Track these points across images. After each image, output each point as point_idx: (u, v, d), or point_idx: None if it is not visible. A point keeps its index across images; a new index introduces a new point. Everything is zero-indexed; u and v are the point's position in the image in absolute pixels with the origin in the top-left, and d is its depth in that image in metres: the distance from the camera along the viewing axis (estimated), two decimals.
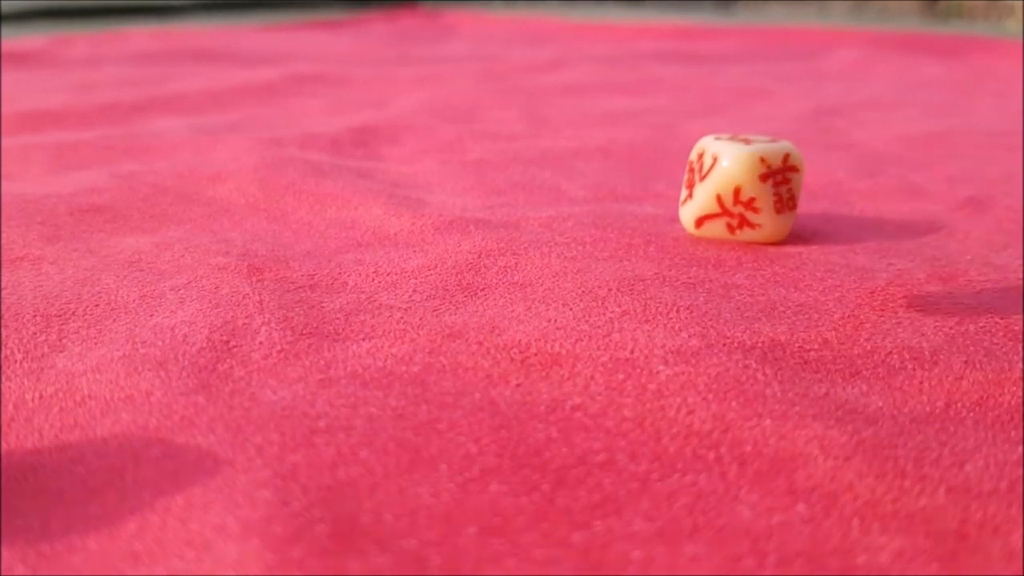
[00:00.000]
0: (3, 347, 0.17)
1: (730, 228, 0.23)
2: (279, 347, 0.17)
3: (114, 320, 0.18)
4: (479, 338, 0.17)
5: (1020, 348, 0.17)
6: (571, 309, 0.18)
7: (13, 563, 0.11)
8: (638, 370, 0.16)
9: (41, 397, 0.15)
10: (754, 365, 0.16)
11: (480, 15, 1.03)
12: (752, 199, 0.22)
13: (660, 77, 0.54)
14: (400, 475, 0.13)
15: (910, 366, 0.16)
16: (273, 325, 0.18)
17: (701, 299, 0.19)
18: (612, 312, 0.18)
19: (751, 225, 0.22)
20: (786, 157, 0.22)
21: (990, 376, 0.16)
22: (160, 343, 0.17)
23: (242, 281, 0.20)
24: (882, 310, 0.18)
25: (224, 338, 0.17)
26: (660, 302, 0.18)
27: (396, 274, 0.20)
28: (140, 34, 0.78)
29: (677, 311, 0.18)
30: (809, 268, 0.21)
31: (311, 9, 1.15)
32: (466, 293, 0.19)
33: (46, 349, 0.17)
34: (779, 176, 0.22)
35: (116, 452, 0.13)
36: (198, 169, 0.29)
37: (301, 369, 0.16)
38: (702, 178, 0.22)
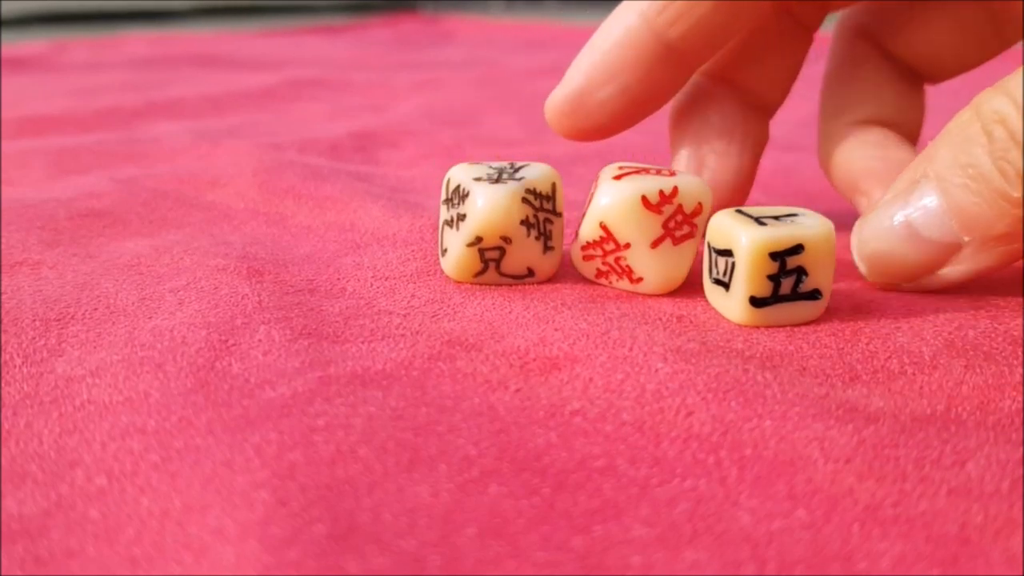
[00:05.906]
0: (3, 352, 0.17)
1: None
2: (278, 345, 0.17)
3: (113, 323, 0.18)
4: (478, 343, 0.17)
5: (1020, 352, 0.17)
6: (569, 308, 0.18)
7: (11, 568, 0.11)
8: (637, 368, 0.16)
9: (40, 402, 0.15)
10: (753, 369, 0.16)
11: (479, 20, 1.03)
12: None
13: None
14: (399, 474, 0.13)
15: (910, 370, 0.16)
16: (272, 324, 0.18)
17: (699, 309, 0.19)
18: (611, 312, 0.18)
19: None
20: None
21: (990, 380, 0.16)
22: (159, 344, 0.17)
23: (241, 282, 0.20)
24: (881, 315, 0.18)
25: (222, 337, 0.17)
26: (658, 310, 0.19)
27: (395, 278, 0.20)
28: (139, 39, 0.78)
29: (678, 320, 0.18)
30: None
31: (310, 14, 1.15)
32: (464, 294, 0.19)
33: (45, 353, 0.17)
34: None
35: (114, 456, 0.13)
36: (197, 173, 0.29)
37: (300, 367, 0.16)
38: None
